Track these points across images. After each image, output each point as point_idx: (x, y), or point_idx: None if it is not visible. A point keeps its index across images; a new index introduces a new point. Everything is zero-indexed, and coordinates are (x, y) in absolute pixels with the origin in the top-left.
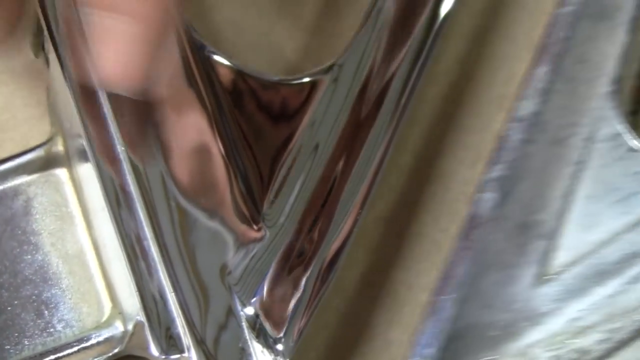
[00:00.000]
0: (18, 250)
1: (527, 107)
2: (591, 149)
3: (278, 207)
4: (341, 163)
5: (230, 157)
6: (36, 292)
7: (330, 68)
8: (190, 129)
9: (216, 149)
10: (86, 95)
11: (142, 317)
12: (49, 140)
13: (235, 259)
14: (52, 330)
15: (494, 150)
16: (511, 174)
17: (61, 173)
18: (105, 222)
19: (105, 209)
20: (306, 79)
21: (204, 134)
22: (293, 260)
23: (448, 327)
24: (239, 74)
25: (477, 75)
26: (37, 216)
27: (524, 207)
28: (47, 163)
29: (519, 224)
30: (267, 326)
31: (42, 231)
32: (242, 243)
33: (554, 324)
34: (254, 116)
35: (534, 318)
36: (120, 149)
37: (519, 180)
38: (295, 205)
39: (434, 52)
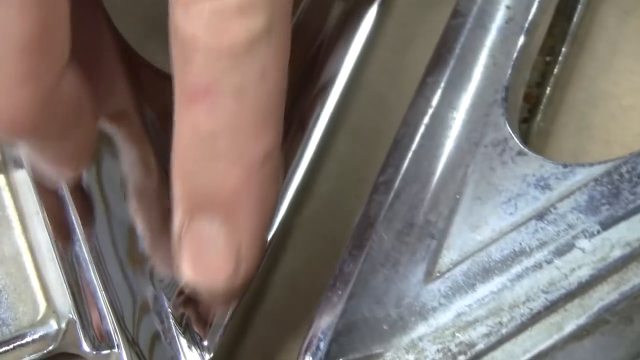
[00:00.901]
0: None
1: (417, 113)
2: (479, 153)
3: None
4: None
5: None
6: None
7: None
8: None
9: (142, 152)
10: None
11: (73, 315)
12: None
13: (162, 260)
14: None
15: (387, 153)
16: (402, 177)
17: None
18: (39, 224)
19: (39, 213)
20: None
21: (134, 140)
22: None
23: (337, 321)
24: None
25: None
26: None
27: (413, 208)
28: None
29: (408, 224)
30: (193, 322)
31: None
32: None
33: (442, 319)
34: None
35: (423, 313)
36: None
37: (407, 184)
38: None
39: None
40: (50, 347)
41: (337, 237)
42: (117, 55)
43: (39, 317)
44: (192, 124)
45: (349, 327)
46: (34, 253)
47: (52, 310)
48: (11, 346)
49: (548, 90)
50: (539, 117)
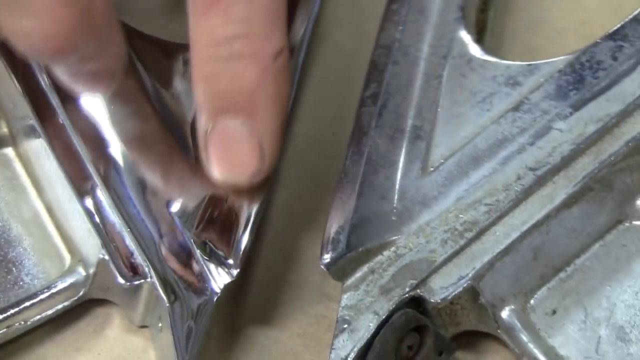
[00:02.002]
0: None
1: (388, 35)
2: (449, 64)
3: None
4: None
5: (152, 106)
6: (2, 253)
7: None
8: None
9: (143, 104)
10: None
11: (104, 254)
12: None
13: (177, 194)
14: (21, 283)
15: (367, 73)
16: (384, 90)
17: (8, 152)
18: (58, 185)
19: (53, 175)
20: None
21: (132, 95)
22: None
23: (350, 217)
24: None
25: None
26: None
27: (399, 116)
28: None
29: (398, 130)
30: (215, 246)
31: None
32: (178, 179)
33: (444, 204)
34: (169, 75)
35: (425, 202)
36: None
37: (391, 95)
38: None
39: None
40: (81, 293)
41: (320, 170)
42: None
43: (65, 268)
44: (208, 31)
45: (362, 221)
46: (52, 212)
47: (77, 259)
48: (45, 295)
49: (491, 16)
50: (485, 44)
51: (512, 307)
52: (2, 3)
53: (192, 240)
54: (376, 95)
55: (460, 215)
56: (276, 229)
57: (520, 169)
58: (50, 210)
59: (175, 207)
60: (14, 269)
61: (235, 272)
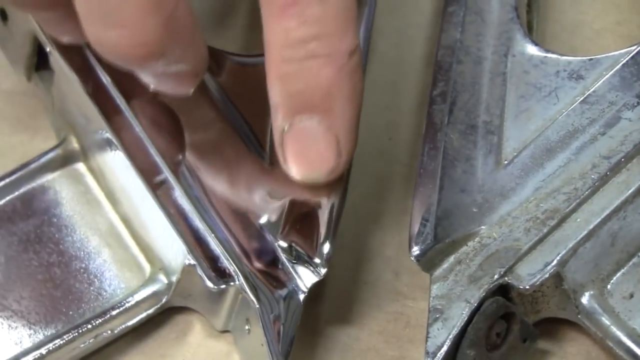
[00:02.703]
0: (58, 234)
1: (449, 37)
2: (511, 61)
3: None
4: None
5: (227, 119)
6: (83, 265)
7: None
8: (194, 106)
9: (217, 117)
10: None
11: (191, 260)
12: (63, 141)
13: (260, 202)
14: (104, 294)
15: (434, 72)
16: (451, 89)
17: (79, 167)
18: (135, 196)
19: (133, 185)
20: None
21: (205, 108)
22: None
23: (434, 209)
24: (224, 57)
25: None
26: (67, 205)
27: (469, 112)
28: (66, 160)
29: (469, 126)
30: (301, 247)
31: (75, 216)
32: (258, 187)
33: (522, 195)
34: (240, 87)
35: (504, 193)
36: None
37: (459, 93)
38: None
39: None
40: (163, 301)
41: (381, 174)
42: None
43: (146, 276)
44: (283, 32)
45: (446, 214)
46: (129, 223)
47: (158, 268)
48: (128, 305)
49: (535, 17)
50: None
51: (592, 292)
52: (89, 14)
53: (277, 244)
54: (445, 94)
55: (541, 205)
56: (345, 232)
57: (594, 157)
58: (126, 221)
59: (259, 213)
60: (95, 280)
61: (323, 271)
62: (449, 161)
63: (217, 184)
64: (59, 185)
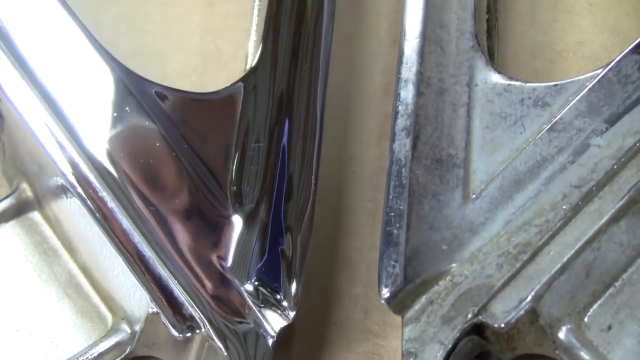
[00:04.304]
0: (15, 286)
1: (408, 69)
2: (474, 91)
3: (240, 195)
4: (281, 148)
5: (186, 164)
6: (42, 319)
7: (248, 76)
8: (151, 151)
9: (176, 162)
10: None
11: (155, 308)
12: (16, 190)
13: (223, 247)
14: (65, 346)
15: (394, 106)
16: (414, 123)
17: (34, 215)
18: (95, 244)
19: (91, 233)
20: (229, 90)
21: (163, 154)
22: (270, 238)
23: (403, 249)
24: (176, 96)
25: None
26: (23, 255)
27: (433, 146)
28: (19, 209)
29: (434, 160)
30: (267, 294)
31: (31, 267)
32: (221, 231)
33: (492, 230)
34: (197, 128)
35: (474, 229)
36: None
37: (422, 127)
38: (255, 192)
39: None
40: (127, 351)
41: (346, 209)
42: None
43: (109, 327)
44: None
45: (415, 253)
46: (88, 272)
47: (120, 317)
48: (91, 357)
49: (497, 42)
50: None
51: (568, 326)
52: None
53: (243, 288)
54: (408, 128)
55: (512, 239)
56: (312, 270)
57: (564, 187)
58: (85, 271)
59: (223, 258)
60: (56, 332)
61: (292, 314)
62: (415, 198)
63: (180, 229)
64: (13, 235)
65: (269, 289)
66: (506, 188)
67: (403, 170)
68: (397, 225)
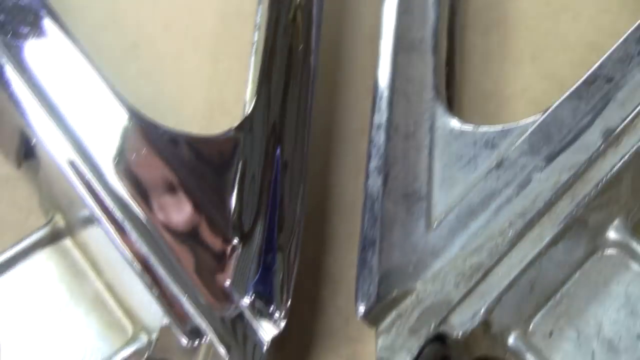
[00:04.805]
0: (50, 305)
1: (380, 117)
2: (434, 136)
3: (240, 222)
4: (273, 181)
5: (194, 197)
6: (74, 330)
7: (245, 121)
8: (165, 187)
9: (186, 195)
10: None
11: (166, 321)
12: (51, 220)
13: (225, 267)
14: (93, 353)
15: (368, 149)
16: (384, 163)
17: (66, 242)
18: (117, 266)
19: (115, 257)
20: (230, 134)
21: (174, 188)
22: (264, 258)
23: (376, 271)
24: (185, 139)
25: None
26: (57, 278)
27: (401, 183)
28: (54, 237)
29: (402, 194)
30: (262, 305)
31: (64, 287)
32: (223, 253)
33: (451, 253)
34: (203, 165)
35: (435, 253)
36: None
37: (391, 166)
38: (251, 219)
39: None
40: (145, 356)
41: (327, 236)
42: None
43: (129, 336)
44: None
45: (386, 274)
46: (113, 289)
47: (139, 328)
48: None
49: (457, 90)
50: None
51: (516, 333)
52: None
53: (242, 302)
54: (379, 168)
55: (467, 261)
56: (300, 286)
57: (511, 216)
58: (110, 289)
59: (226, 276)
60: (85, 342)
61: (283, 323)
62: (386, 227)
63: (188, 253)
64: (49, 260)
65: (263, 301)
66: (462, 217)
67: (375, 204)
68: (371, 251)
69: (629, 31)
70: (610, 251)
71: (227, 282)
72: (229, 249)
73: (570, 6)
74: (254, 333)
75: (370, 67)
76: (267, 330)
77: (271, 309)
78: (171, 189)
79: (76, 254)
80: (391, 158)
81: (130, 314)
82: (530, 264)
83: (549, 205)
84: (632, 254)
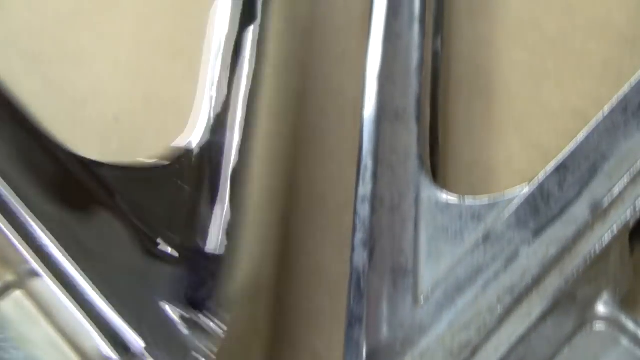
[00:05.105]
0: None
1: (364, 189)
2: (419, 209)
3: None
4: None
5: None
6: None
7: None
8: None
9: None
10: None
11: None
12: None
13: (161, 288)
14: None
15: (353, 221)
16: (370, 237)
17: (18, 294)
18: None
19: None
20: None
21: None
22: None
23: (362, 349)
24: (117, 170)
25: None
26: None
27: (387, 257)
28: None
29: (388, 269)
30: (197, 317)
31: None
32: (158, 276)
33: (439, 330)
34: (136, 198)
35: (422, 330)
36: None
37: (377, 240)
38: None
39: None
40: None
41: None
42: None
43: None
44: None
45: (373, 351)
46: (69, 337)
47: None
48: None
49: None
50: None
51: None
52: None
53: (177, 318)
54: (365, 242)
55: (455, 338)
56: (287, 336)
57: (499, 291)
58: (65, 336)
59: (164, 297)
60: None
61: (220, 331)
62: (372, 303)
63: (123, 278)
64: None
65: (199, 315)
66: (449, 293)
67: (362, 279)
68: (357, 327)
69: (615, 101)
70: (599, 326)
71: (165, 302)
72: (162, 271)
73: (553, 72)
74: (195, 349)
75: (354, 138)
76: (207, 343)
77: (207, 321)
78: (106, 219)
79: (28, 304)
80: (377, 231)
81: (79, 352)
82: (519, 340)
83: (538, 280)
84: (621, 329)
